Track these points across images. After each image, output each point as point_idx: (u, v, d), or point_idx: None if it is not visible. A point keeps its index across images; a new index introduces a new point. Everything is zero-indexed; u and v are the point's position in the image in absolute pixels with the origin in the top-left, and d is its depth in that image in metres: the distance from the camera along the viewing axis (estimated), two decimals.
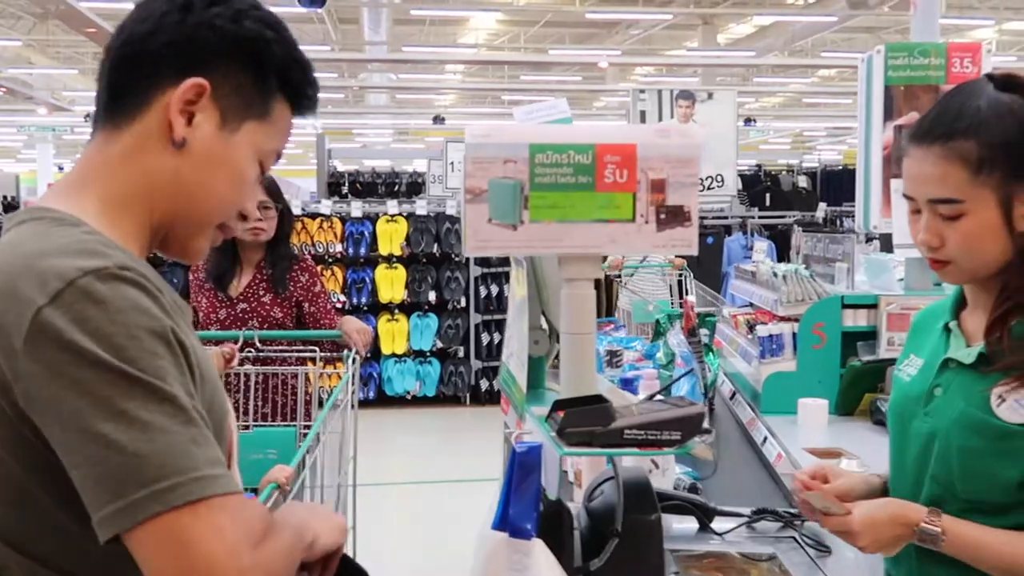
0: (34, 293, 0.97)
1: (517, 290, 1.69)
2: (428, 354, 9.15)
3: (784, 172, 16.00)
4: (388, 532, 5.67)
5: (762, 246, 6.41)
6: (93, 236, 1.05)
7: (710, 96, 10.70)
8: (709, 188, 10.41)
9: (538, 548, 1.32)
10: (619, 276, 6.47)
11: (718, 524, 1.98)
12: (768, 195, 13.82)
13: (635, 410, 1.37)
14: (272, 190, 3.56)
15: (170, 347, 1.01)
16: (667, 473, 2.18)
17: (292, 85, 1.20)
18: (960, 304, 1.56)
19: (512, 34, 22.08)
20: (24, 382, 0.96)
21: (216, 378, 1.17)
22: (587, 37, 22.84)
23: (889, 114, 3.29)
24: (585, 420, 1.30)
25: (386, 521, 5.84)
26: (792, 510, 2.00)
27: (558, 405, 1.35)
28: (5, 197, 15.97)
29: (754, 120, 26.77)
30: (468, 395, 9.17)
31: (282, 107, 1.20)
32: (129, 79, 1.13)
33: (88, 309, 0.96)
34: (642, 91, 10.15)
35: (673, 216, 1.47)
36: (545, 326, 1.74)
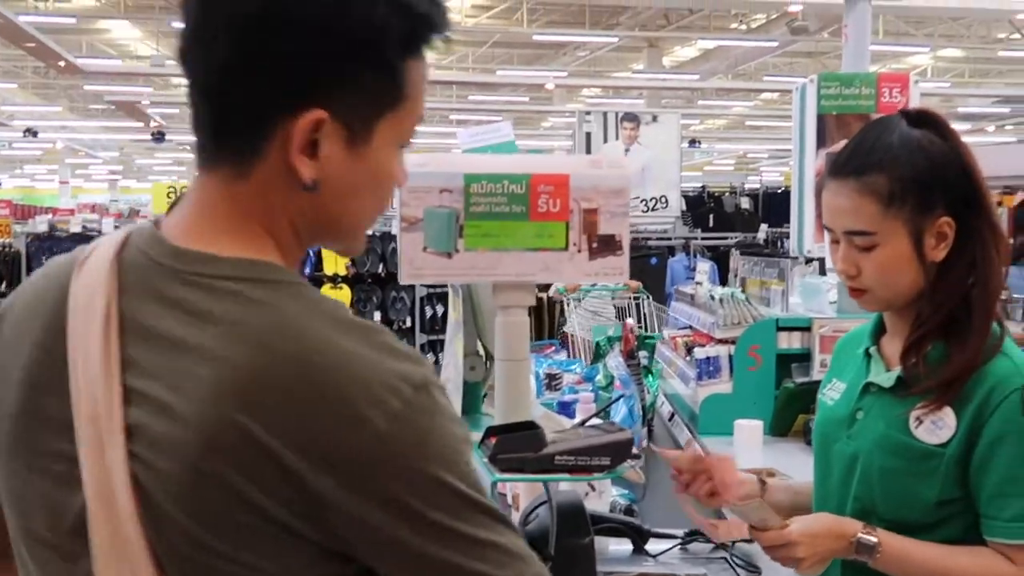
0: (364, 403, 0.83)
1: (452, 315, 1.72)
2: None
3: (727, 193, 16.23)
4: None
5: (704, 267, 6.48)
6: (341, 309, 0.91)
7: (655, 118, 10.84)
8: (653, 209, 10.53)
9: None
10: (571, 300, 6.49)
11: (652, 546, 2.01)
12: (711, 216, 14.00)
13: (567, 436, 1.40)
14: None
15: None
16: (603, 495, 2.21)
17: (419, 39, 0.95)
18: (879, 330, 1.62)
19: (460, 54, 22.20)
20: (352, 508, 0.83)
21: None
22: (535, 58, 23.04)
23: (822, 142, 3.38)
24: (517, 446, 1.33)
25: None
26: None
27: (491, 431, 1.38)
28: None
29: (699, 142, 27.17)
30: None
31: (413, 66, 0.95)
32: (231, 115, 0.92)
33: (425, 424, 0.85)
34: (588, 113, 10.26)
35: (605, 245, 1.52)
36: (481, 351, 1.77)
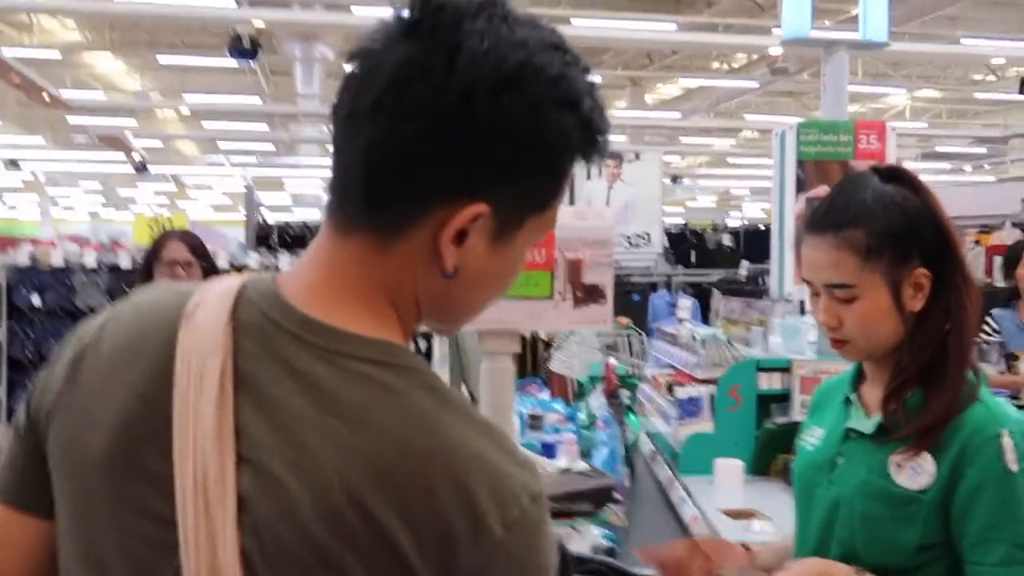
0: (489, 508, 0.82)
1: (436, 351, 1.75)
2: None
3: (709, 230, 16.36)
4: None
5: (686, 304, 6.55)
6: (466, 403, 0.93)
7: (637, 156, 10.97)
8: (636, 246, 10.62)
9: None
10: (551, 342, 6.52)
11: None
12: (693, 252, 14.10)
13: (551, 482, 1.43)
14: (196, 247, 3.33)
15: None
16: (586, 537, 2.23)
17: (590, 153, 0.93)
18: (859, 377, 1.67)
19: None
20: None
21: None
22: None
23: (801, 186, 3.45)
24: None
25: None
26: None
27: None
28: None
29: (681, 178, 27.41)
30: None
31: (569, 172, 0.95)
32: (394, 188, 0.88)
33: (534, 538, 0.86)
34: None
35: (589, 294, 1.56)
36: (466, 393, 1.80)
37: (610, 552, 2.28)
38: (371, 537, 0.80)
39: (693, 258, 13.84)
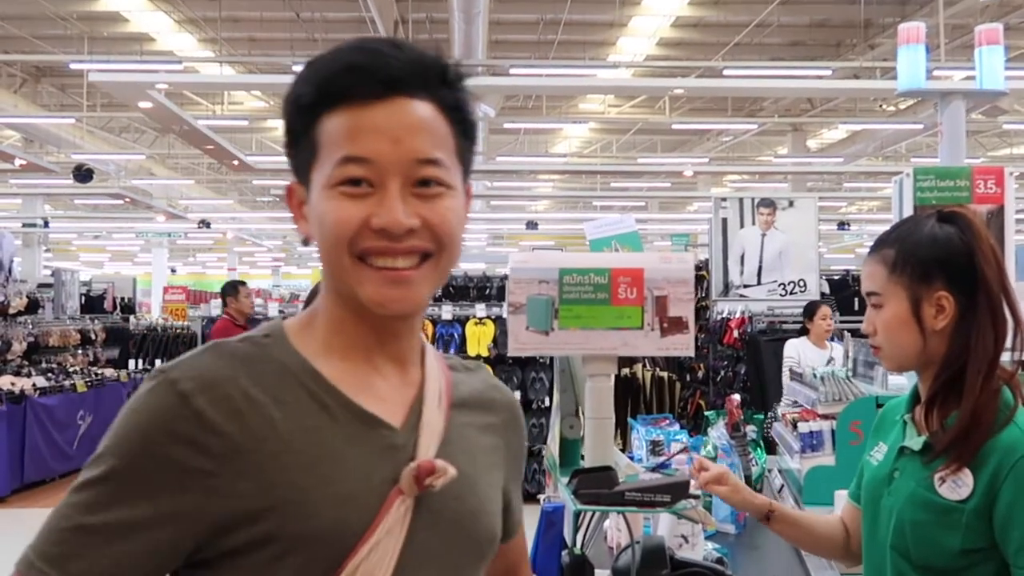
0: None
1: (556, 394, 2.08)
2: None
3: None
4: None
5: (840, 349, 6.65)
6: None
7: (791, 203, 10.99)
8: (792, 293, 10.62)
9: None
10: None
11: None
12: (856, 299, 13.87)
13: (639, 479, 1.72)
14: None
15: None
16: (696, 547, 2.49)
17: (324, 101, 1.06)
18: (914, 400, 1.89)
19: (604, 142, 22.81)
20: None
21: None
22: (678, 144, 23.41)
23: None
24: (594, 484, 1.67)
25: None
26: None
27: (576, 473, 1.72)
28: (123, 299, 17.05)
29: (848, 224, 26.83)
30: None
31: (328, 120, 1.06)
32: None
33: None
34: (723, 199, 10.47)
35: (674, 325, 1.86)
36: (581, 415, 2.10)
37: (719, 562, 2.53)
38: None
39: (856, 305, 13.61)
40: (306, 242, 1.09)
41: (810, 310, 7.65)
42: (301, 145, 1.06)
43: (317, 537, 0.97)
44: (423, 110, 1.03)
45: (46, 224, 21.60)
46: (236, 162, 17.17)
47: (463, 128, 1.08)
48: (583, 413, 2.14)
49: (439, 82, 1.06)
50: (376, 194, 1.02)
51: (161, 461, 0.96)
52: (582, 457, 2.22)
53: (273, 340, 1.07)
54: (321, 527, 0.98)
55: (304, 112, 1.04)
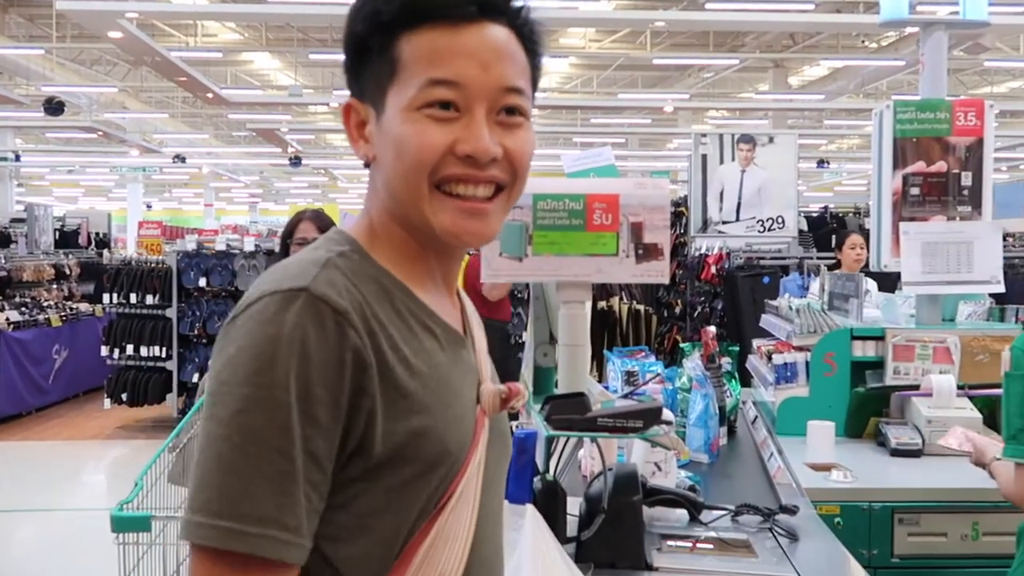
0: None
1: (530, 326, 2.06)
2: None
3: (851, 214, 16.07)
4: None
5: (816, 285, 6.67)
6: None
7: (771, 140, 10.93)
8: (770, 229, 10.62)
9: (530, 511, 1.68)
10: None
11: (707, 516, 2.29)
12: (833, 236, 13.92)
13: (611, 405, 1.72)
14: (325, 227, 3.38)
15: None
16: (669, 475, 2.50)
17: (408, 18, 1.03)
18: None
19: (585, 78, 22.59)
20: None
21: None
22: (659, 80, 23.22)
23: (897, 163, 3.58)
24: (567, 409, 1.66)
25: None
26: (771, 506, 2.31)
27: (548, 399, 1.71)
28: (98, 234, 16.89)
29: (827, 162, 26.81)
30: None
31: (407, 40, 1.03)
32: None
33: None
34: (703, 135, 10.42)
35: (648, 252, 1.84)
36: (549, 334, 2.10)
37: (691, 489, 2.55)
38: None
39: (834, 242, 13.67)
40: (367, 164, 1.05)
41: (839, 240, 7.28)
42: (372, 63, 1.02)
43: (444, 459, 0.98)
44: (507, 37, 1.02)
45: (17, 158, 21.27)
46: (210, 95, 16.91)
47: (534, 61, 1.06)
48: (558, 341, 2.13)
49: (516, 11, 1.04)
50: (462, 119, 0.99)
51: (334, 386, 0.91)
52: (556, 385, 2.22)
53: (360, 256, 1.02)
54: (449, 449, 0.99)
55: (382, 28, 1.01)
